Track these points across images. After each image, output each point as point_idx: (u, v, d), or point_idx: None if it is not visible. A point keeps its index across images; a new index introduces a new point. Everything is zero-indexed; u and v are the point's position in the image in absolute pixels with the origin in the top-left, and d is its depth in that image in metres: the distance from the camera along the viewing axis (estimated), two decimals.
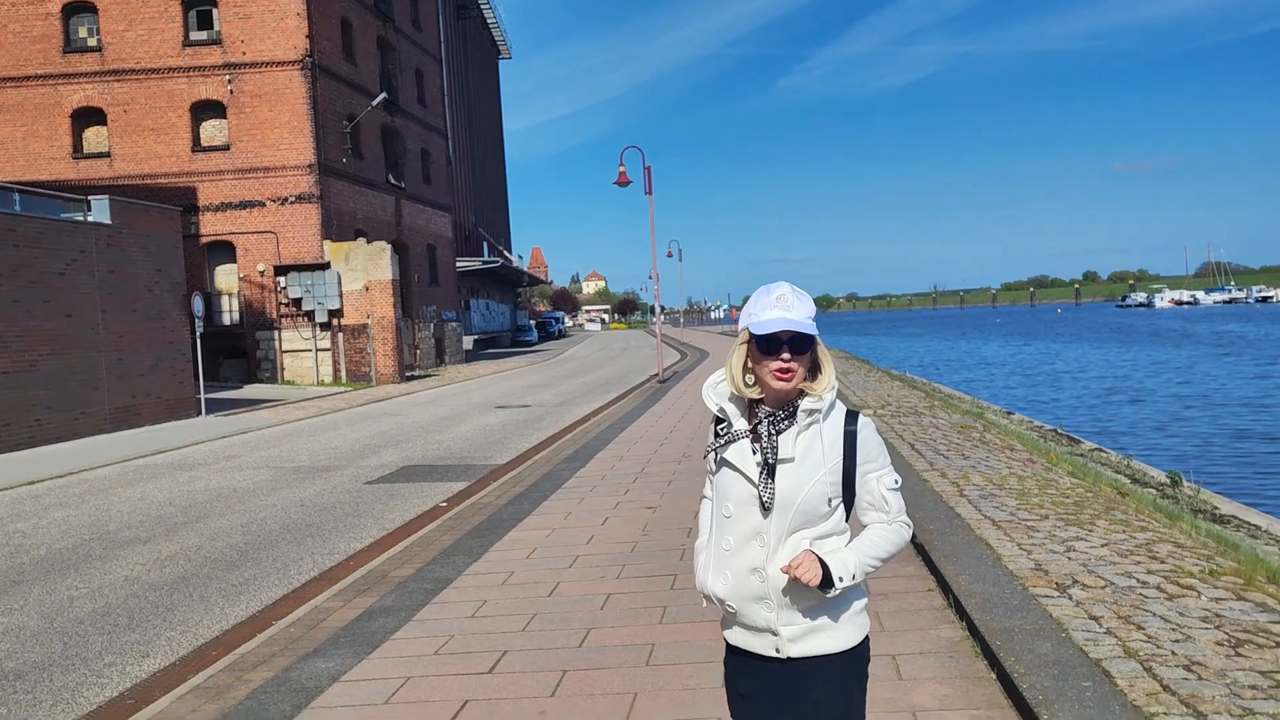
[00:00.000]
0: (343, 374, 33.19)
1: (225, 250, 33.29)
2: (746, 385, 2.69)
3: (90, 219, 21.23)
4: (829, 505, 2.62)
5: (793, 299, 2.61)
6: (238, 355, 33.53)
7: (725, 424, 2.72)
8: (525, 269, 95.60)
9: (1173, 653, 4.59)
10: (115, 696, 5.53)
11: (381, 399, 27.01)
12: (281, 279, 32.77)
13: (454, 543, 8.48)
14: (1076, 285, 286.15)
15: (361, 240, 33.78)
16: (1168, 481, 13.06)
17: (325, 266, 32.79)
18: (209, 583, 7.97)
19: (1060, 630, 4.96)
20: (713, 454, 2.73)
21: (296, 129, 32.70)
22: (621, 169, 27.63)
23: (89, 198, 21.87)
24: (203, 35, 32.70)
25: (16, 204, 19.58)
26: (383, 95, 37.43)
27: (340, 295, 32.81)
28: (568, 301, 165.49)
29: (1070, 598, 5.48)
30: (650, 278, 31.64)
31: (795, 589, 2.61)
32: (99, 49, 32.43)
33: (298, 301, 32.78)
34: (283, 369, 33.32)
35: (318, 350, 33.31)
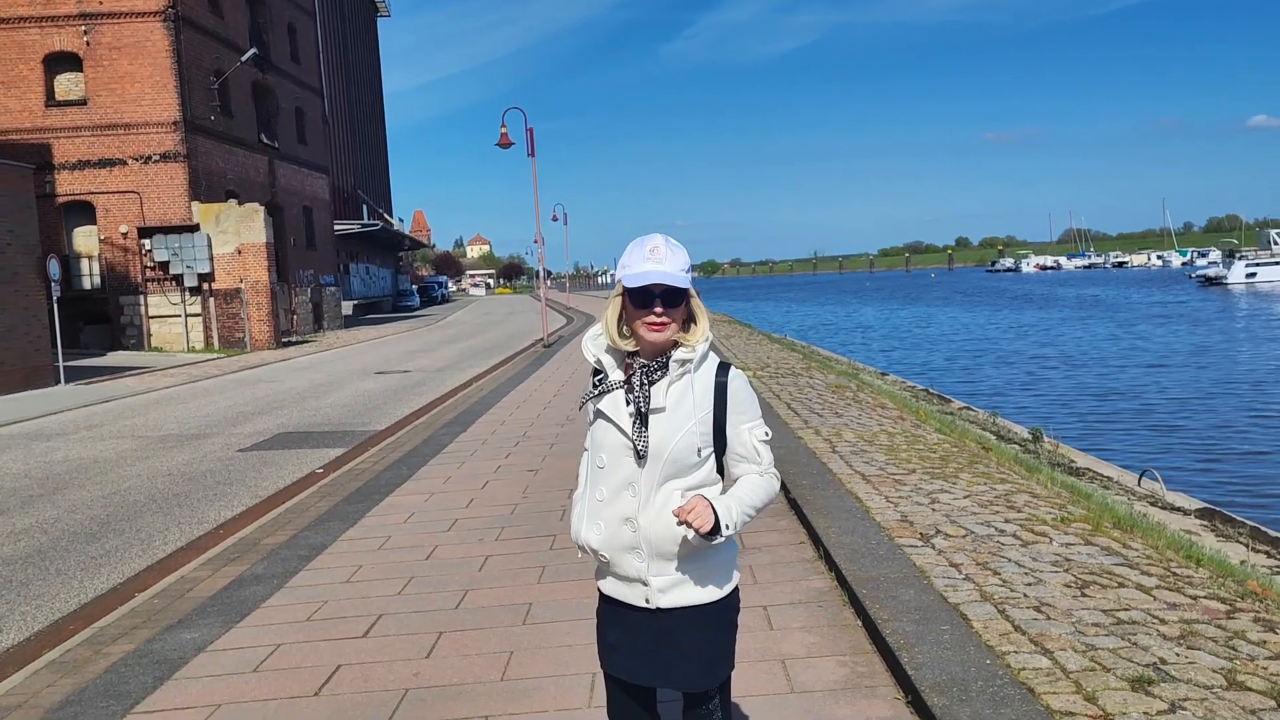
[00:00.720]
0: (215, 340, 32.07)
1: (84, 211, 31.67)
2: (622, 337, 2.70)
3: None
4: (699, 455, 2.65)
5: (666, 251, 2.61)
6: (100, 321, 32.03)
7: (603, 375, 2.73)
8: (407, 233, 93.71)
9: (1025, 595, 4.82)
10: None
11: (256, 365, 26.21)
12: (146, 241, 31.37)
13: (330, 509, 8.32)
14: (949, 251, 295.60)
15: (233, 202, 32.55)
16: (1029, 437, 13.69)
17: (194, 229, 31.51)
18: (67, 555, 7.65)
19: (923, 578, 5.16)
20: (589, 403, 2.74)
21: (159, 84, 31.22)
22: (504, 131, 27.23)
23: None
24: None
25: None
26: (253, 51, 35.98)
27: (211, 259, 31.60)
28: (451, 266, 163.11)
29: (933, 547, 5.70)
30: (535, 242, 31.39)
31: (664, 540, 2.64)
32: None
33: (164, 265, 31.45)
34: (150, 335, 32.00)
35: (188, 316, 32.08)
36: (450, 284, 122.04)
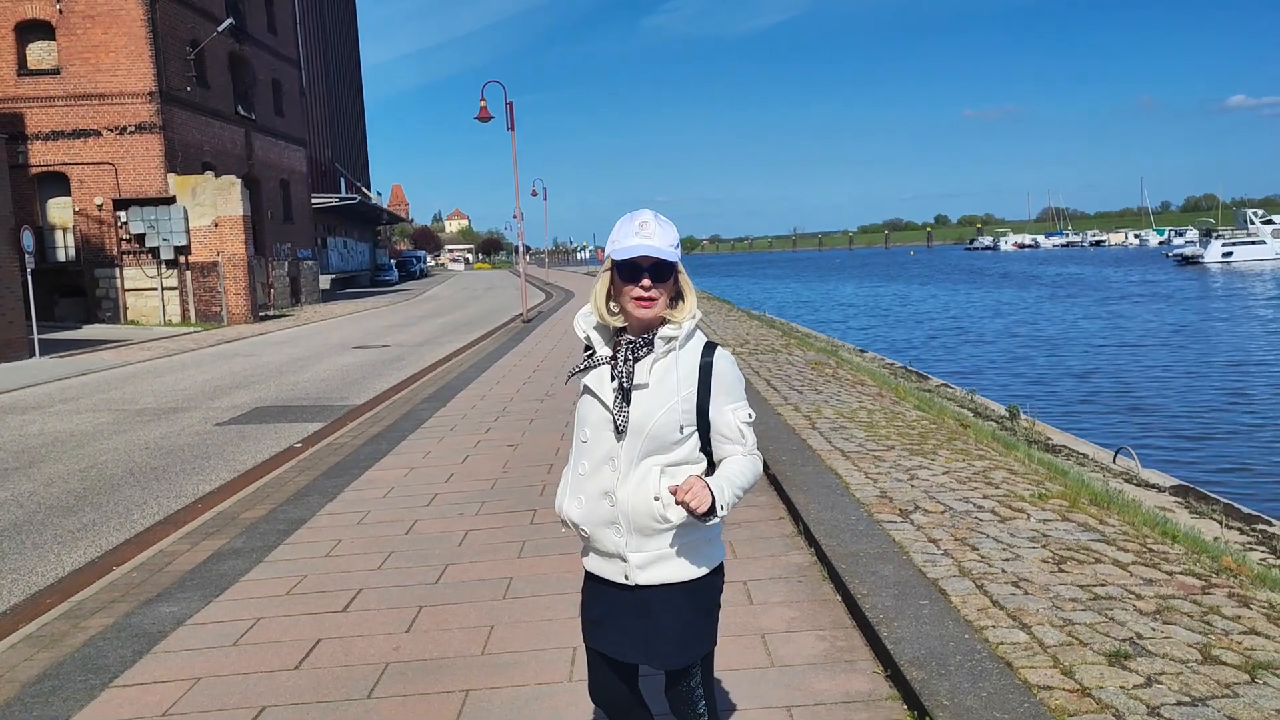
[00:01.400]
0: (192, 314, 31.78)
1: (58, 182, 31.21)
2: (610, 313, 2.70)
3: None
4: (680, 433, 2.65)
5: (655, 226, 2.61)
6: (76, 294, 31.67)
7: (592, 351, 2.74)
8: (385, 206, 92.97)
9: (1003, 570, 4.86)
10: None
11: (234, 339, 26.01)
12: (122, 214, 30.98)
13: (308, 483, 8.28)
14: (929, 228, 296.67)
15: (210, 174, 32.16)
16: (1006, 415, 13.77)
17: (170, 201, 31.14)
18: (44, 529, 7.59)
19: (902, 553, 5.19)
20: (577, 376, 2.75)
21: (134, 54, 30.74)
22: (483, 104, 27.02)
23: None
24: None
25: None
26: (229, 21, 35.48)
27: (187, 231, 31.26)
28: (430, 241, 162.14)
29: (912, 522, 5.73)
30: (515, 217, 31.23)
31: (642, 515, 2.64)
32: None
33: (141, 238, 31.09)
34: (126, 308, 31.68)
35: (164, 289, 31.77)
36: (429, 259, 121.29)
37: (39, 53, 30.90)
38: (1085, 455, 11.41)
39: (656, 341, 2.64)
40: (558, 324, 25.66)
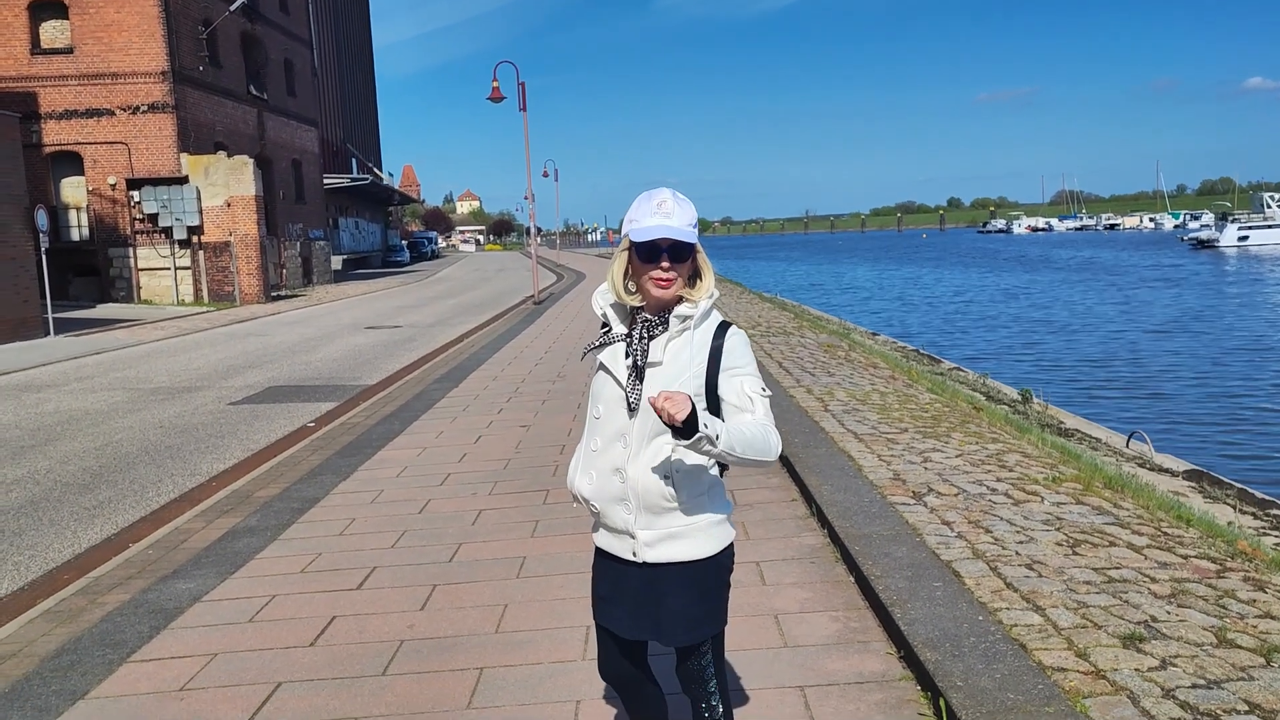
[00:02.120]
0: (205, 293, 31.88)
1: (72, 161, 31.30)
2: (628, 292, 2.70)
3: None
4: None
5: (674, 205, 2.60)
6: (89, 273, 31.79)
7: (608, 328, 2.74)
8: (396, 187, 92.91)
9: (1016, 553, 4.85)
10: None
11: (246, 319, 26.10)
12: (135, 193, 31.05)
13: (322, 462, 8.32)
14: (941, 211, 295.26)
15: (222, 154, 32.19)
16: (1019, 398, 13.73)
17: (183, 181, 31.19)
18: (60, 506, 7.64)
19: (915, 535, 5.19)
20: (592, 352, 2.76)
21: (147, 33, 30.73)
22: (495, 84, 26.96)
23: None
24: None
25: None
26: (241, 0, 35.44)
27: (200, 211, 31.31)
28: (441, 222, 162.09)
29: (925, 505, 5.73)
30: (526, 198, 31.18)
31: (652, 493, 2.63)
32: None
33: (154, 217, 31.17)
34: (139, 288, 31.79)
35: (177, 269, 31.86)
36: (440, 240, 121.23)
37: (52, 32, 30.91)
38: (1098, 439, 11.37)
39: (671, 320, 2.63)
40: (569, 305, 25.66)
